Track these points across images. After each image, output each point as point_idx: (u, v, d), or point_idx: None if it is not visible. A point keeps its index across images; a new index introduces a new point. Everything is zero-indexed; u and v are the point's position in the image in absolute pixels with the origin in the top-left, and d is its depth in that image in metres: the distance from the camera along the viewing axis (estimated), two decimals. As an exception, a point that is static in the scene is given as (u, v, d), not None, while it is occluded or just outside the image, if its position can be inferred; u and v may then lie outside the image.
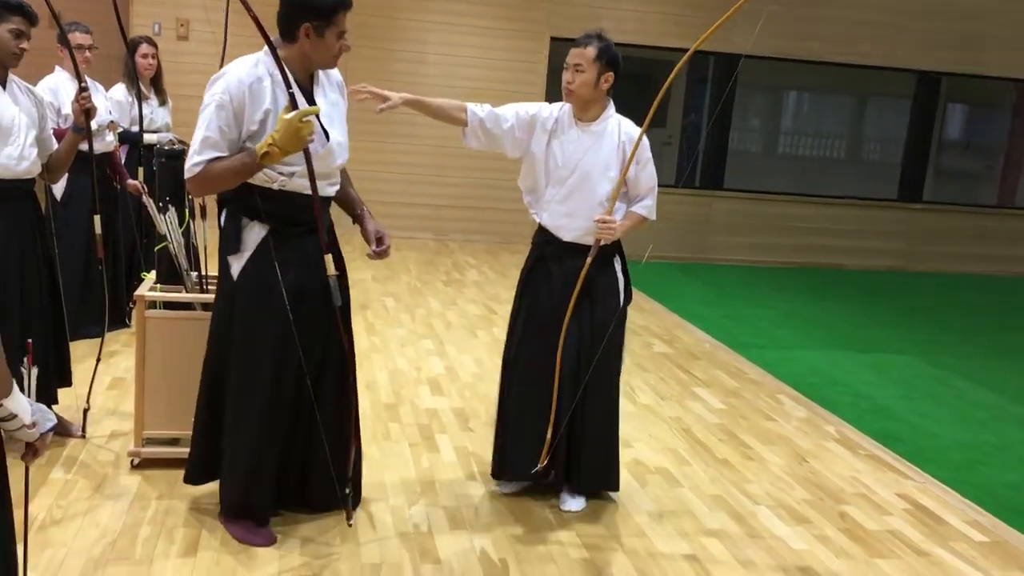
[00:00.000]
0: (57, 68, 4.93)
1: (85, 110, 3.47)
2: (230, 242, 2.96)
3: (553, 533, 3.29)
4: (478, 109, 3.42)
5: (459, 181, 9.20)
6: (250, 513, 3.05)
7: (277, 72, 2.78)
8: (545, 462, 3.38)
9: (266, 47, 2.82)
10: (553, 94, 9.40)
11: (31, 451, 1.77)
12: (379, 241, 3.12)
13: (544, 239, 3.46)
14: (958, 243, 10.51)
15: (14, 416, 1.64)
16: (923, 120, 10.52)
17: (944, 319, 7.96)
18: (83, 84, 3.48)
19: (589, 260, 3.30)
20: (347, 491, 3.06)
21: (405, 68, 8.87)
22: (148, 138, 5.36)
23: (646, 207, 3.45)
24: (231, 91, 2.80)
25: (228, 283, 2.99)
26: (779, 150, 11.61)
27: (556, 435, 3.36)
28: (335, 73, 3.06)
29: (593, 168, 3.35)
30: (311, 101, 2.92)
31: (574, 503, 3.48)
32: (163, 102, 5.72)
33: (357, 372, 3.25)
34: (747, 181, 10.30)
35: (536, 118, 3.42)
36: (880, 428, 4.75)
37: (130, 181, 5.17)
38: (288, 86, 2.73)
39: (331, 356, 3.10)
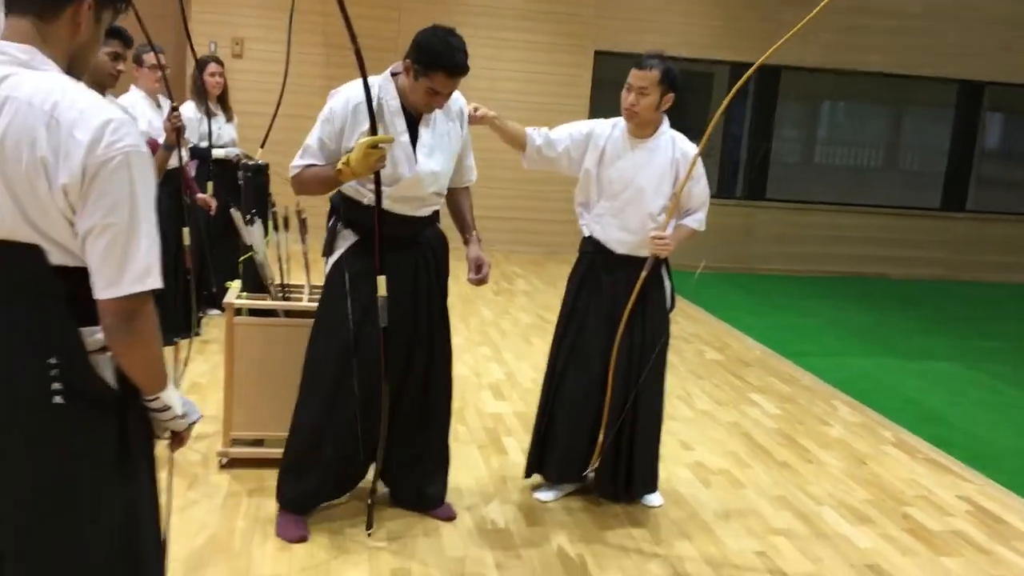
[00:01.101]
0: (132, 87, 5.13)
1: (176, 128, 3.66)
2: (326, 244, 3.21)
3: (625, 530, 3.42)
4: (536, 136, 3.54)
5: (506, 192, 9.35)
6: (291, 505, 3.20)
7: (388, 97, 2.97)
8: (597, 463, 3.49)
9: (388, 70, 3.03)
10: (597, 106, 9.55)
11: (177, 440, 1.92)
12: (478, 268, 3.25)
13: (595, 249, 3.56)
14: (1002, 252, 10.49)
15: (168, 407, 1.79)
16: (965, 129, 10.54)
17: (991, 328, 7.98)
18: (174, 104, 3.67)
19: (645, 274, 3.41)
20: (370, 501, 3.18)
21: (451, 83, 9.03)
22: (216, 153, 5.57)
23: (697, 220, 3.56)
24: (337, 108, 3.01)
25: (325, 280, 3.20)
26: (817, 159, 11.66)
27: (608, 436, 3.47)
28: (457, 100, 3.18)
29: (647, 184, 3.46)
30: (414, 129, 3.07)
31: (655, 498, 3.64)
32: (229, 118, 5.94)
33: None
34: (787, 191, 10.37)
35: (590, 136, 3.53)
36: (934, 433, 4.82)
37: (200, 195, 5.36)
38: (371, 113, 2.86)
39: (416, 363, 3.24)
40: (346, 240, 3.15)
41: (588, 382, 3.51)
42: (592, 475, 3.59)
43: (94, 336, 1.67)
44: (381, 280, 2.96)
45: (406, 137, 3.04)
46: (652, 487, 3.64)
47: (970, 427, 5.06)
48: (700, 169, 3.47)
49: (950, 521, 3.71)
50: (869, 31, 9.78)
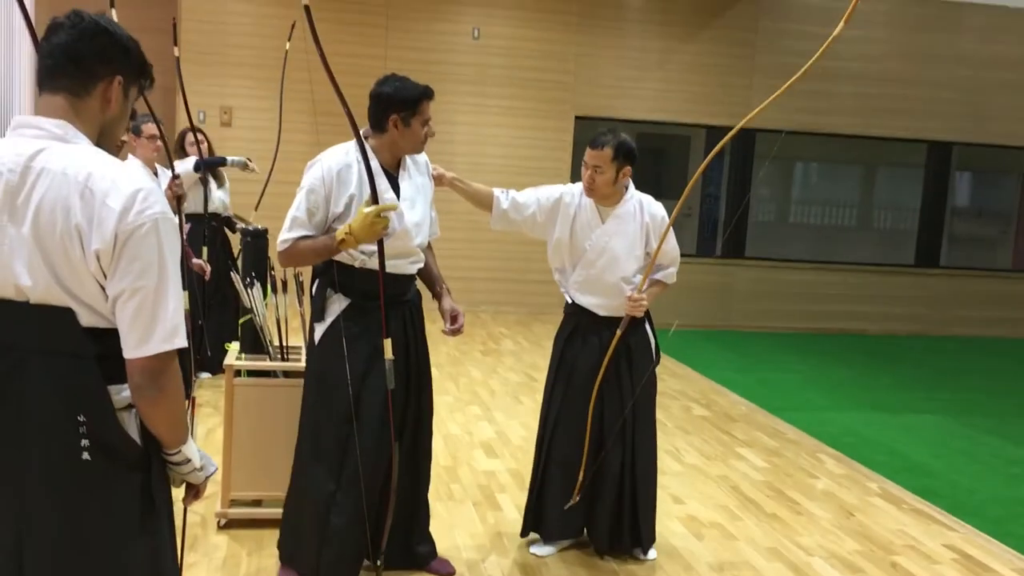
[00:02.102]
0: (130, 156, 5.24)
1: (177, 196, 3.77)
2: (316, 311, 3.23)
3: (621, 584, 3.47)
4: (503, 199, 3.65)
5: (491, 254, 9.50)
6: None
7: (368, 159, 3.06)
8: (577, 499, 3.54)
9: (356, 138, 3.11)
10: (578, 170, 9.75)
11: (192, 492, 1.97)
12: (453, 319, 3.33)
13: (578, 310, 3.67)
14: (976, 307, 10.71)
15: (189, 460, 1.86)
16: (936, 188, 10.83)
17: (969, 381, 8.13)
18: (176, 173, 3.78)
19: (620, 332, 3.52)
20: (379, 564, 3.19)
21: (435, 148, 9.11)
22: (213, 207, 5.69)
23: (669, 275, 3.71)
24: (321, 177, 3.07)
25: (312, 347, 3.25)
26: (792, 219, 11.93)
27: (587, 477, 3.54)
28: (422, 156, 3.33)
29: (621, 251, 3.59)
30: (396, 186, 3.19)
31: (651, 552, 3.68)
32: (220, 184, 6.06)
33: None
34: (765, 249, 10.59)
35: (559, 203, 3.63)
36: (919, 484, 4.91)
37: (195, 260, 5.44)
38: (371, 180, 2.94)
39: (408, 421, 3.31)
40: (338, 304, 3.18)
41: (580, 438, 3.58)
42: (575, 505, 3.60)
43: (121, 394, 1.75)
44: (387, 343, 3.00)
45: (391, 194, 3.14)
46: (653, 539, 3.70)
47: (954, 477, 5.15)
48: (670, 230, 3.62)
49: (938, 569, 3.79)
50: (839, 95, 10.11)
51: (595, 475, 3.59)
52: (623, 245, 3.58)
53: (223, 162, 5.76)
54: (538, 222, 3.67)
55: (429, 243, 3.43)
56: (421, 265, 3.34)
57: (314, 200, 3.08)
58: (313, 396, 3.22)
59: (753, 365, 8.14)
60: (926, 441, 5.88)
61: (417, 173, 3.30)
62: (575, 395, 3.62)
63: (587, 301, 3.62)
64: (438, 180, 3.49)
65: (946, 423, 6.37)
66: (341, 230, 2.97)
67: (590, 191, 3.55)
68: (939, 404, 6.94)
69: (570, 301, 3.69)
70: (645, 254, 3.62)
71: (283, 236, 3.11)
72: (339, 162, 3.09)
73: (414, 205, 3.22)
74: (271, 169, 6.18)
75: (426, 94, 3.14)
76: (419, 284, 3.41)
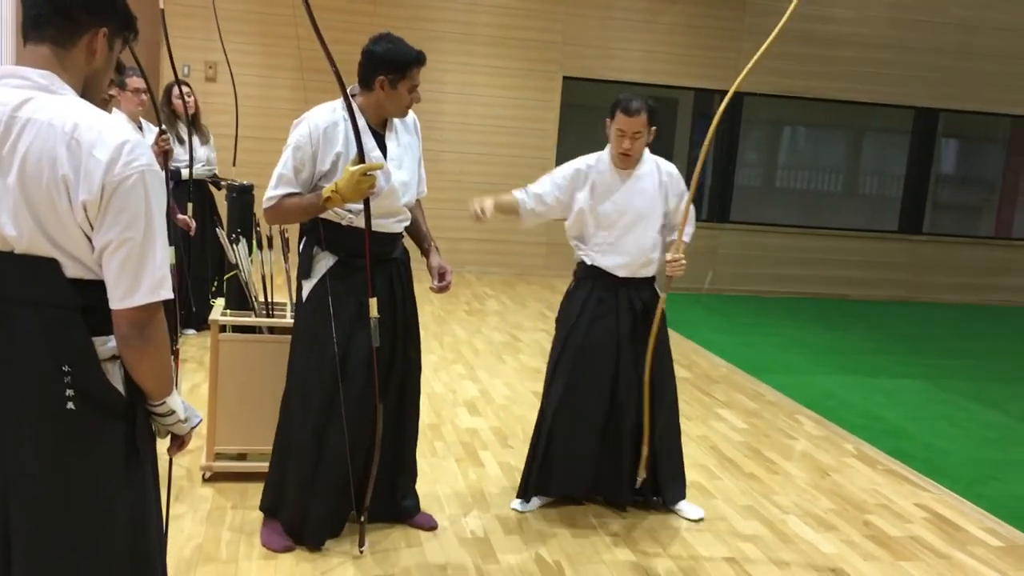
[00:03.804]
0: (115, 110, 5.19)
1: (164, 152, 3.75)
2: (303, 268, 3.25)
3: (600, 539, 3.53)
4: (526, 200, 3.73)
5: (477, 215, 9.48)
6: (299, 537, 3.25)
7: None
8: (644, 475, 3.66)
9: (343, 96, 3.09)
10: (564, 130, 9.75)
11: (177, 443, 1.99)
12: (441, 276, 3.38)
13: (595, 273, 3.71)
14: (959, 274, 10.81)
15: (173, 412, 1.89)
16: (922, 154, 10.87)
17: (949, 346, 8.24)
18: (163, 128, 3.76)
19: (663, 296, 3.63)
20: (363, 519, 3.24)
21: (422, 108, 9.11)
22: (196, 171, 5.66)
23: (688, 234, 3.75)
24: (307, 134, 3.08)
25: (299, 304, 3.27)
26: (777, 183, 11.96)
27: (651, 447, 3.65)
28: (411, 115, 3.33)
29: (641, 210, 3.65)
30: (383, 145, 3.19)
31: (692, 509, 3.80)
32: (204, 140, 6.02)
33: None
34: (750, 214, 10.62)
35: (576, 177, 3.70)
36: (895, 447, 5.00)
37: (180, 216, 5.42)
38: (358, 138, 2.95)
39: (395, 378, 3.35)
40: (325, 262, 3.20)
41: (594, 397, 3.65)
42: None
43: (106, 345, 1.77)
44: (373, 302, 3.03)
45: (378, 152, 3.15)
46: (683, 492, 3.80)
47: (929, 440, 5.25)
48: (684, 187, 3.70)
49: (909, 528, 3.88)
50: (827, 60, 10.10)
51: (612, 432, 3.66)
52: (643, 205, 3.65)
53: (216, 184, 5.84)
54: (563, 202, 3.73)
55: (418, 200, 3.45)
56: (407, 224, 3.35)
57: (300, 157, 3.08)
58: (300, 353, 3.24)
59: (735, 328, 8.22)
60: (904, 405, 5.97)
61: (405, 132, 3.30)
62: (589, 356, 3.66)
63: (609, 262, 3.67)
64: (481, 219, 3.58)
65: (925, 387, 6.47)
66: (327, 188, 2.98)
67: (627, 157, 3.59)
68: (919, 369, 7.04)
69: (589, 264, 3.72)
70: (663, 213, 3.67)
71: (269, 193, 3.12)
72: (326, 120, 3.09)
73: (401, 165, 3.23)
74: (236, 124, 6.14)
75: (417, 60, 3.12)
76: (408, 242, 3.43)
